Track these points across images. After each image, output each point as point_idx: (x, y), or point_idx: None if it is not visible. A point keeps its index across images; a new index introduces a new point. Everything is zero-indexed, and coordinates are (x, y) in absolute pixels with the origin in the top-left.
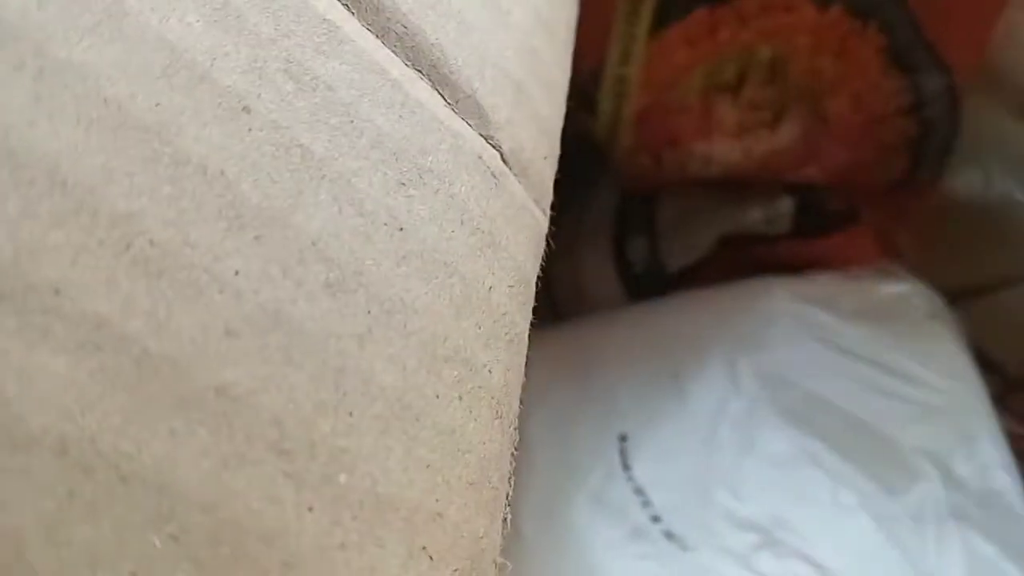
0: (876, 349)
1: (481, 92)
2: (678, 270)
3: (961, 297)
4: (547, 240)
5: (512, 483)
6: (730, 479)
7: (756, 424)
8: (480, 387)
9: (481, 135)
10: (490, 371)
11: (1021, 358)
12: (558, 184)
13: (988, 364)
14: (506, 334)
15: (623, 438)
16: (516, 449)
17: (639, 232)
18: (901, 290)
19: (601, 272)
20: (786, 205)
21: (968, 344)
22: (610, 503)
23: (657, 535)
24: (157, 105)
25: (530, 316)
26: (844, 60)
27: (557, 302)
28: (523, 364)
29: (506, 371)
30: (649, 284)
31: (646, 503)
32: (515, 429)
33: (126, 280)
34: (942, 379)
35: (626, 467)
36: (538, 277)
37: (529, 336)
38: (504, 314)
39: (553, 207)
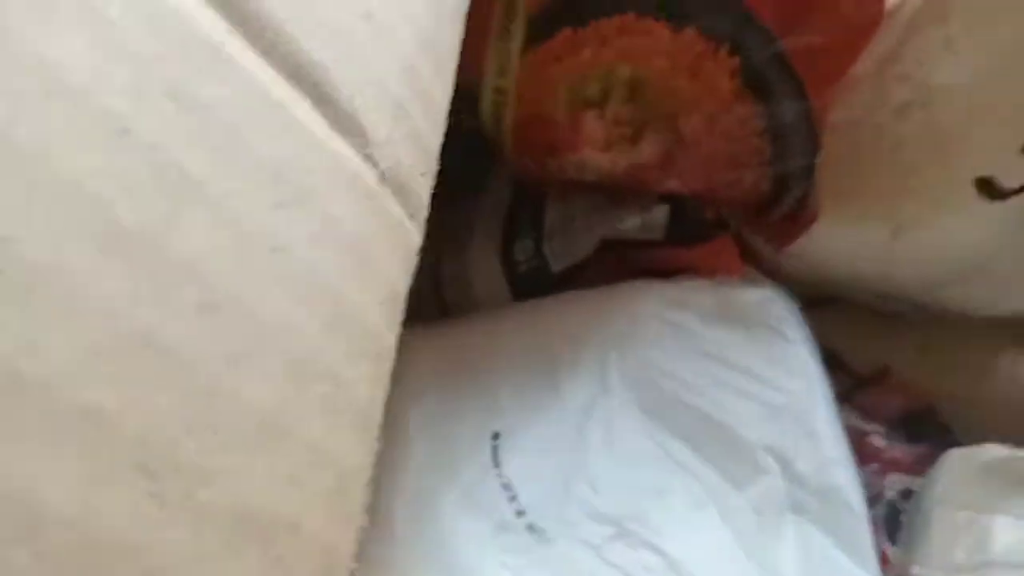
0: (733, 351)
1: (362, 111)
2: (561, 271)
3: (817, 303)
4: (440, 237)
5: (377, 487)
6: (591, 474)
7: (620, 421)
8: (346, 402)
9: (360, 154)
10: (356, 386)
11: (866, 359)
12: (454, 182)
13: (839, 365)
14: (374, 350)
15: (496, 436)
16: (396, 447)
17: (527, 233)
18: (760, 296)
19: (488, 270)
20: (660, 213)
21: (819, 346)
22: (479, 499)
23: (521, 528)
24: (36, 128)
25: (398, 329)
26: (698, 81)
27: (446, 299)
28: (388, 376)
29: (372, 385)
30: (533, 284)
31: (512, 498)
32: (378, 439)
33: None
34: (790, 379)
35: (496, 464)
36: (429, 274)
37: (415, 333)
38: (373, 330)
39: (446, 205)
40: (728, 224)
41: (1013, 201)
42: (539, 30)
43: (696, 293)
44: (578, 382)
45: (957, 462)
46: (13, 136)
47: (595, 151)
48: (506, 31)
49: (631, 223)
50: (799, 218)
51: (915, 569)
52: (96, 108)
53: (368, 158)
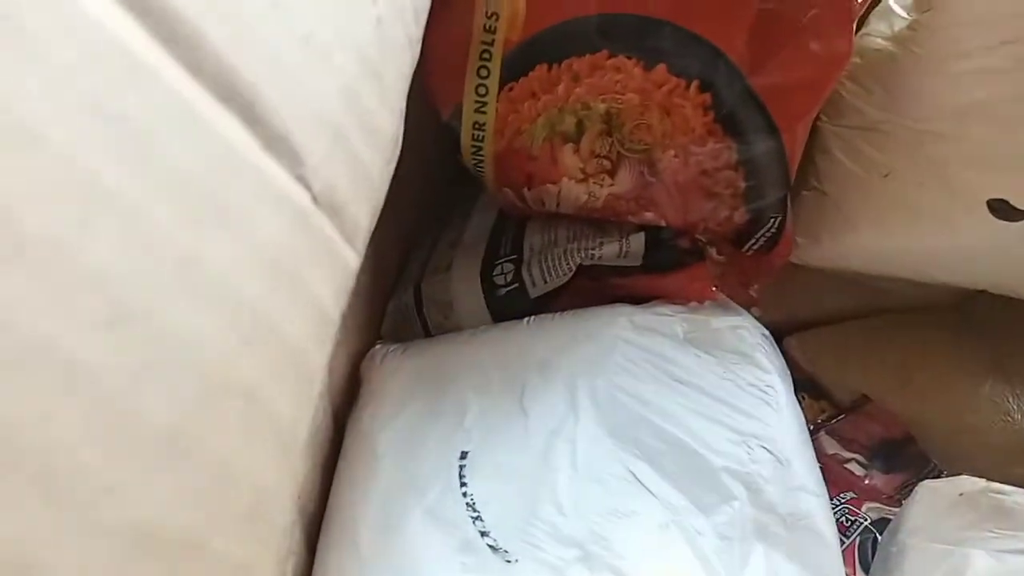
0: (703, 377)
1: (296, 133)
2: (539, 295)
3: (796, 330)
4: (424, 258)
5: (343, 504)
6: (557, 496)
7: (587, 445)
8: (262, 421)
9: (292, 175)
10: (275, 405)
11: (845, 386)
12: (441, 207)
13: (820, 392)
14: (297, 369)
15: (463, 455)
16: (364, 465)
17: (508, 257)
18: (732, 322)
19: (469, 292)
20: (637, 241)
21: (799, 374)
22: (444, 518)
23: (483, 548)
24: None
25: (329, 350)
26: (671, 117)
27: (428, 319)
28: (315, 396)
29: (293, 404)
30: (512, 306)
31: (477, 518)
32: (301, 459)
33: None
34: (760, 407)
35: (462, 483)
36: (413, 294)
37: (392, 352)
38: (297, 349)
39: (433, 228)
40: (703, 252)
41: None
42: (515, 67)
43: (667, 319)
44: (547, 405)
45: (932, 494)
46: None
47: (572, 182)
48: (484, 68)
49: (608, 250)
50: (772, 254)
51: None
52: (8, 117)
53: (300, 179)
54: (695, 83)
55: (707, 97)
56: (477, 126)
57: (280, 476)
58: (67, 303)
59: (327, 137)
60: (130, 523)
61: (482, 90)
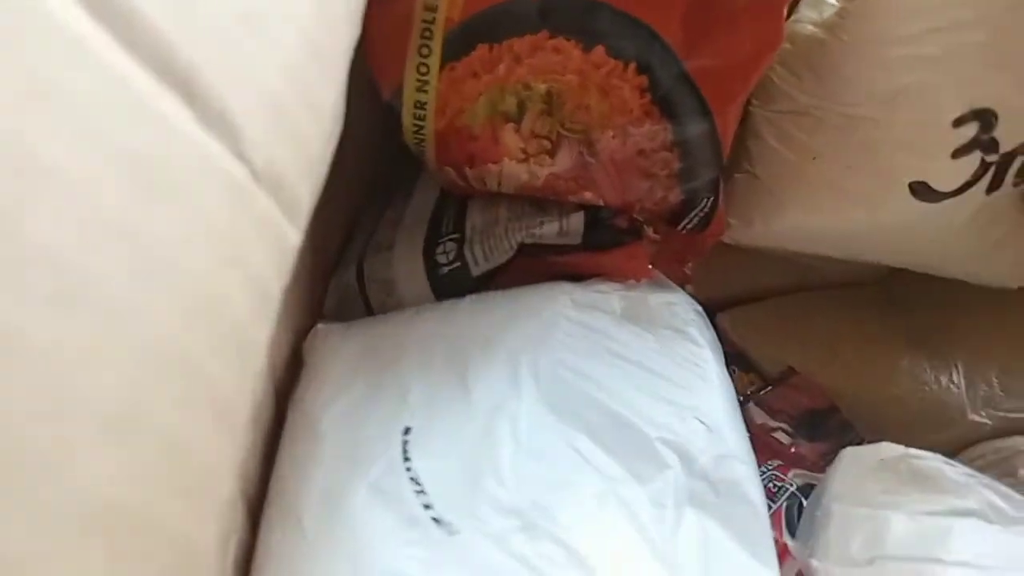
0: (640, 351)
1: (235, 110)
2: (481, 273)
3: (728, 306)
4: (366, 238)
5: (287, 481)
6: (499, 469)
7: (529, 419)
8: (205, 396)
9: (232, 151)
10: (217, 380)
11: (773, 359)
12: (382, 186)
13: (749, 365)
14: (238, 344)
15: (407, 431)
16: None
17: (450, 235)
18: (667, 299)
19: (412, 271)
20: (577, 220)
21: (729, 348)
22: (388, 493)
23: (427, 522)
24: None
25: (271, 326)
26: (609, 98)
27: (370, 299)
28: (257, 371)
29: (234, 380)
30: (454, 285)
31: (420, 492)
32: (243, 433)
33: None
34: (693, 379)
35: (406, 459)
36: (355, 273)
37: (334, 330)
38: (238, 325)
39: (373, 207)
40: (640, 231)
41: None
42: (457, 46)
43: (606, 296)
44: (489, 381)
45: (854, 460)
46: None
47: (513, 162)
48: (425, 47)
49: (549, 229)
50: (706, 233)
51: (813, 562)
52: None
53: (240, 155)
54: (632, 65)
55: (644, 79)
56: (418, 105)
57: (223, 451)
58: (10, 278)
59: (268, 113)
60: (75, 502)
61: (423, 69)
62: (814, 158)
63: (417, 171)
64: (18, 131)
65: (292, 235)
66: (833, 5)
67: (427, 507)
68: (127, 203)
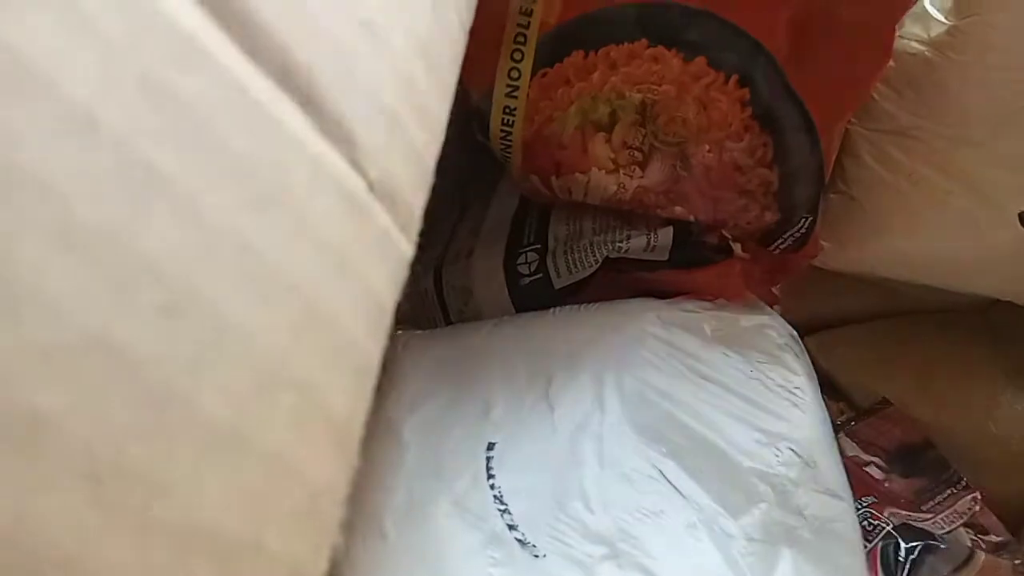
0: (732, 375)
1: (352, 117)
2: (564, 286)
3: (814, 329)
4: (445, 243)
5: (368, 492)
6: (585, 491)
7: (614, 439)
8: (318, 415)
9: (348, 160)
10: (330, 398)
11: (864, 387)
12: (462, 190)
13: (838, 394)
14: (352, 361)
15: (490, 447)
16: (389, 452)
17: (531, 246)
18: (760, 321)
19: (491, 280)
20: (665, 236)
21: (819, 374)
22: (471, 509)
23: (511, 542)
24: None
25: (383, 342)
26: (707, 110)
27: (447, 305)
28: (370, 389)
29: (350, 398)
30: (535, 296)
31: (505, 511)
32: (356, 455)
33: None
34: (789, 408)
35: (490, 475)
36: (433, 279)
37: (415, 338)
38: (352, 341)
39: (453, 212)
40: (731, 250)
41: None
42: (550, 52)
43: (695, 315)
44: (573, 399)
45: None
46: None
47: (602, 173)
48: (518, 51)
49: (636, 243)
50: (799, 254)
51: None
52: (63, 99)
53: (356, 165)
54: (734, 77)
55: (745, 92)
56: (507, 110)
57: (335, 473)
58: (121, 292)
59: (383, 123)
60: (183, 521)
61: (515, 74)
62: (915, 181)
63: (496, 176)
64: (134, 139)
65: (406, 248)
66: (943, 23)
67: (511, 527)
68: (242, 214)
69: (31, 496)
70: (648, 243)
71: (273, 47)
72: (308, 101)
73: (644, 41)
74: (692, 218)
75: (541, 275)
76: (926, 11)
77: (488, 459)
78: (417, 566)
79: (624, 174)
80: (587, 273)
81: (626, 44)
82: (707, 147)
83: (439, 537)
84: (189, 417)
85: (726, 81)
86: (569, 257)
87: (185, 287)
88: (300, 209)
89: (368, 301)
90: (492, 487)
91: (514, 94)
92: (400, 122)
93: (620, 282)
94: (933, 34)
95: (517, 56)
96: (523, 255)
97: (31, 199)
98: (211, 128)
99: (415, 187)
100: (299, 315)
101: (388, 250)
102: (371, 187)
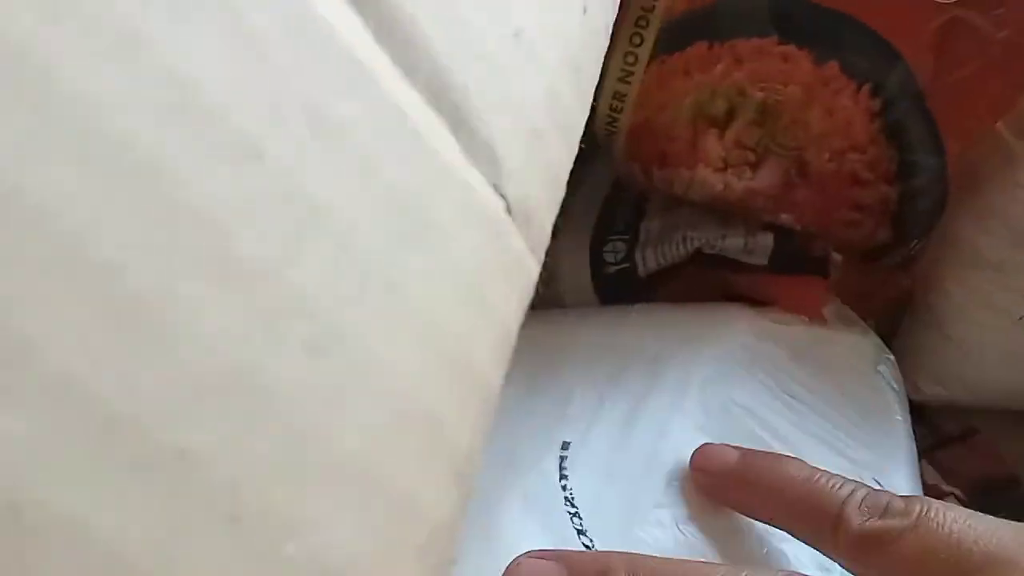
0: (819, 394)
1: (497, 138)
2: (649, 274)
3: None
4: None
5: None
6: (659, 504)
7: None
8: (445, 450)
9: (490, 184)
10: (458, 434)
11: (952, 415)
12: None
13: (922, 417)
14: (481, 395)
15: (565, 446)
16: None
17: (621, 235)
18: (853, 339)
19: (576, 263)
20: (766, 240)
21: (907, 397)
22: (540, 508)
23: (579, 547)
24: (161, 145)
25: (505, 370)
26: (833, 117)
27: None
28: (490, 422)
29: (473, 432)
30: (619, 285)
31: (575, 515)
32: (473, 490)
33: (101, 335)
34: (875, 434)
35: (562, 475)
36: None
37: None
38: (481, 374)
39: None
40: (828, 263)
41: None
42: (672, 40)
43: (786, 328)
44: (654, 405)
45: None
46: (136, 153)
47: (709, 170)
48: (637, 35)
49: (732, 243)
50: (903, 274)
51: None
52: (229, 128)
53: (497, 187)
54: (866, 86)
55: (877, 103)
56: (617, 96)
57: (454, 509)
58: (271, 328)
59: (526, 141)
60: (315, 561)
61: (631, 59)
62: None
63: (588, 152)
64: (298, 170)
65: (534, 269)
66: None
67: (580, 532)
68: (389, 246)
69: (175, 537)
70: (745, 245)
71: (432, 66)
72: (459, 121)
73: (775, 37)
74: (798, 227)
75: (628, 264)
76: None
77: (562, 458)
78: (481, 558)
79: (732, 174)
80: (675, 262)
81: (756, 39)
82: (827, 155)
83: (505, 532)
84: (327, 455)
85: (858, 89)
86: (659, 250)
87: (331, 322)
88: (443, 239)
89: (497, 331)
90: (564, 488)
91: (628, 79)
92: (543, 139)
93: (706, 279)
94: None
95: (636, 40)
96: (611, 243)
97: (192, 232)
98: (369, 158)
99: (550, 207)
100: (433, 351)
101: (520, 276)
102: (509, 210)
